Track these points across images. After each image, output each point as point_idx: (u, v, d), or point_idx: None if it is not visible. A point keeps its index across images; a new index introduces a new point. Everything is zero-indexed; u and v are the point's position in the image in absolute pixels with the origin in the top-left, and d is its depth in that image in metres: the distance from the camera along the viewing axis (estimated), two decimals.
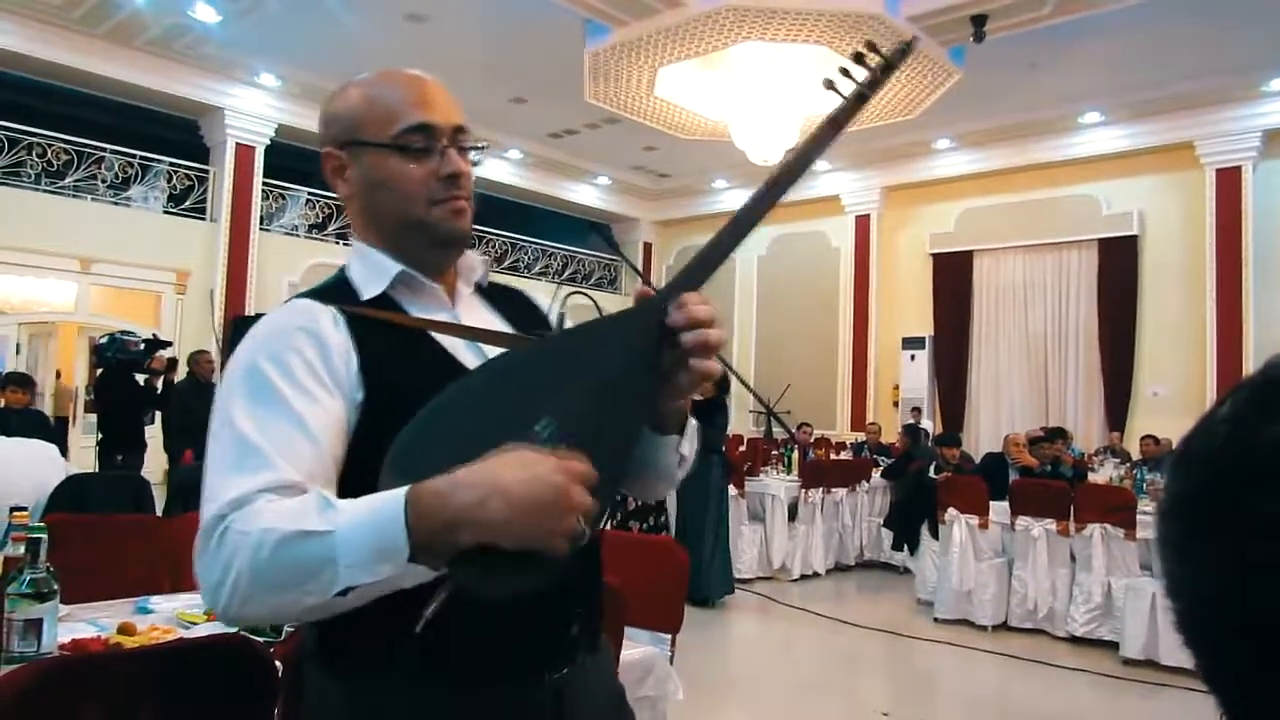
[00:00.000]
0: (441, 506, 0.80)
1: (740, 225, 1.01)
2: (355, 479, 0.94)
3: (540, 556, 0.82)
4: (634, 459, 1.06)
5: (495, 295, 1.19)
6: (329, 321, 0.99)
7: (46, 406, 9.19)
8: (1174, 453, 0.48)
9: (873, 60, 1.02)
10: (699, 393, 1.05)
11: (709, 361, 0.98)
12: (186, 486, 5.12)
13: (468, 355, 1.05)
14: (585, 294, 1.26)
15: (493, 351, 1.03)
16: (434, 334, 1.04)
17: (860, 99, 1.02)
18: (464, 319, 1.10)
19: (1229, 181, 9.90)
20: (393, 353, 1.00)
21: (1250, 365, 9.54)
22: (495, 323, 1.14)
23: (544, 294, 1.29)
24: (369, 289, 1.06)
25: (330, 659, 1.02)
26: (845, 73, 1.02)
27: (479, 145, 1.09)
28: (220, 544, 0.84)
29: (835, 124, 1.03)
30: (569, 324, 1.24)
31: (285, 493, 0.87)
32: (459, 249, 1.11)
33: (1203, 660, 0.44)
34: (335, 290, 1.07)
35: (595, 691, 1.13)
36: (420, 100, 1.04)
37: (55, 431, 6.02)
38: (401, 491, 0.82)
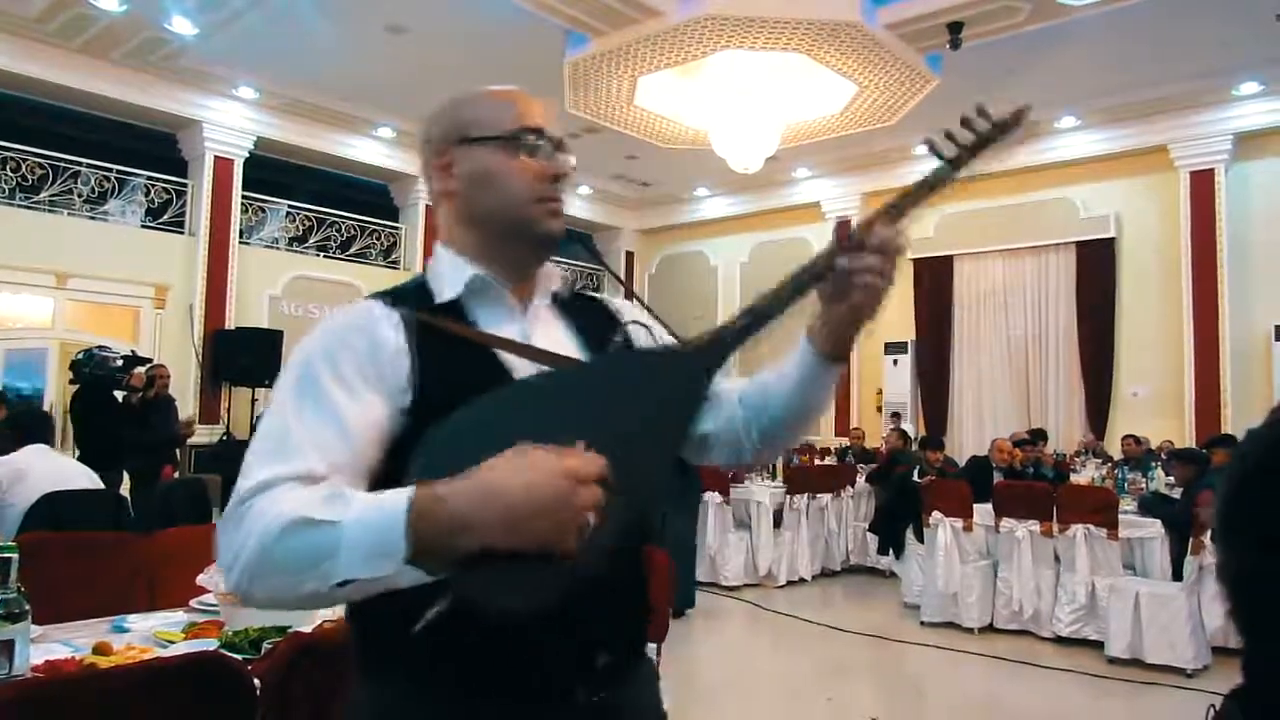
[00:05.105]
0: (441, 510, 0.79)
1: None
2: (396, 484, 0.95)
3: (546, 565, 0.80)
4: (796, 406, 1.20)
5: (572, 306, 1.18)
6: (388, 324, 1.01)
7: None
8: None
9: (980, 124, 1.08)
10: None
11: (887, 281, 1.07)
12: (171, 502, 5.04)
13: (528, 372, 1.03)
14: (652, 316, 1.30)
15: None
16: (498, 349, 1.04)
17: (957, 163, 1.10)
18: (534, 330, 1.10)
19: (1203, 184, 10.03)
20: (449, 361, 1.00)
21: (1226, 365, 9.66)
22: (565, 337, 1.13)
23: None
24: (444, 292, 1.07)
25: (363, 662, 1.04)
26: (949, 135, 1.07)
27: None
28: (239, 523, 0.87)
29: (929, 186, 1.12)
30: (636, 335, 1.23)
31: (311, 483, 0.89)
32: (548, 253, 1.13)
33: None
34: (410, 293, 1.08)
35: (642, 715, 1.13)
36: (533, 110, 1.10)
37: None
38: (407, 491, 0.81)
